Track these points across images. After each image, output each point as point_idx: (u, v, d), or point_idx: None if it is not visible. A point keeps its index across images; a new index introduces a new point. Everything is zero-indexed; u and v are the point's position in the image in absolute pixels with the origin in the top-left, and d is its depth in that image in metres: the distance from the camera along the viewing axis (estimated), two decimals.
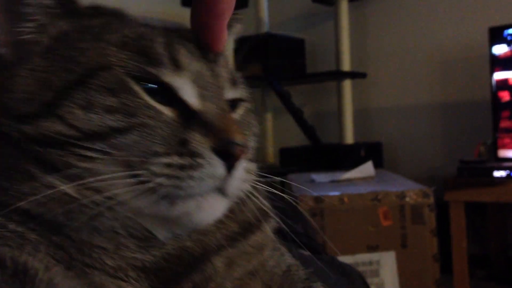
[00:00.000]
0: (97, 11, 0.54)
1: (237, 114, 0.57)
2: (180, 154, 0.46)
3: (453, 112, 3.57)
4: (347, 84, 3.61)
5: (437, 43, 3.60)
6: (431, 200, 2.13)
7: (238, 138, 0.47)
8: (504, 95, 2.87)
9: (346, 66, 3.60)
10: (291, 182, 2.55)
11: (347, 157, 3.40)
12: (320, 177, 2.67)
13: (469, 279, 2.66)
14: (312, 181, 2.62)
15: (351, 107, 3.61)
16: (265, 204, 0.58)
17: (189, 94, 0.49)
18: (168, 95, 0.48)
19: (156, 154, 0.45)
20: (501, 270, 3.21)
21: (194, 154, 0.46)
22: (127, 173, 0.45)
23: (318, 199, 2.15)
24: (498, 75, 2.87)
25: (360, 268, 2.04)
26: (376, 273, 2.14)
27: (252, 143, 0.58)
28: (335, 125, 3.70)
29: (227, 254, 0.51)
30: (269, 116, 3.99)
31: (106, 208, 0.45)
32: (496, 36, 2.87)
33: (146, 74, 0.47)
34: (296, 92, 3.88)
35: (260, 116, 4.03)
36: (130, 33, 0.50)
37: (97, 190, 0.45)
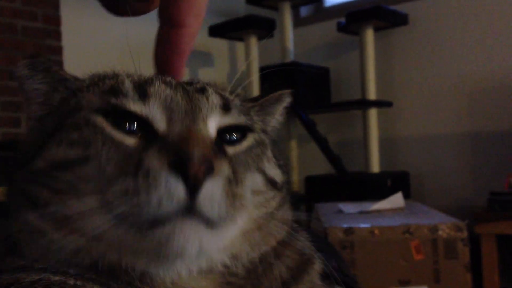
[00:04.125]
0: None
1: (243, 145, 0.54)
2: (135, 175, 0.44)
3: (481, 142, 3.52)
4: (372, 113, 3.60)
5: (463, 72, 3.58)
6: (465, 234, 2.08)
7: (197, 151, 0.43)
8: None
9: (371, 95, 3.59)
10: (319, 213, 2.51)
11: (373, 187, 3.36)
12: (348, 207, 2.63)
13: None
14: (340, 211, 2.59)
15: (377, 136, 3.58)
16: (308, 246, 0.57)
17: (157, 119, 0.49)
18: (139, 124, 0.49)
19: (112, 180, 0.44)
20: None
21: (147, 173, 0.43)
22: (95, 203, 0.45)
23: (348, 231, 2.12)
24: None
25: None
26: None
27: (255, 178, 0.53)
28: (361, 154, 3.67)
29: None
30: (293, 144, 3.99)
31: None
32: None
33: (112, 107, 0.49)
34: (321, 120, 3.88)
35: (285, 144, 4.03)
36: (101, 77, 0.55)
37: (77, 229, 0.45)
